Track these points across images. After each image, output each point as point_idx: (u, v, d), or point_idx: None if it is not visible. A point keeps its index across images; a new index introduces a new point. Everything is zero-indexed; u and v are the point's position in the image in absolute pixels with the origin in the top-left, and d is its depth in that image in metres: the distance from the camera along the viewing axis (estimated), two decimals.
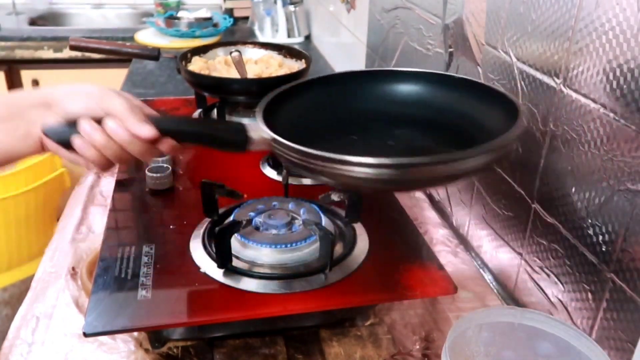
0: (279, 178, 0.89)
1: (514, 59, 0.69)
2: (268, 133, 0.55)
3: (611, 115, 0.53)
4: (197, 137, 0.60)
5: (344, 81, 0.71)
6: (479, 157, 0.51)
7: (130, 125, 0.55)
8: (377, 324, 0.70)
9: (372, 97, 0.70)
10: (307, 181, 0.86)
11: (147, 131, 0.55)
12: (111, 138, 0.55)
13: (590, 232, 0.58)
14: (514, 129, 0.53)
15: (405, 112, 0.69)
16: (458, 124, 0.65)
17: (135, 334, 0.66)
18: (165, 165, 0.85)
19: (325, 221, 0.70)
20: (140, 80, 1.61)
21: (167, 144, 0.57)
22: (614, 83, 0.53)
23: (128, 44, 1.44)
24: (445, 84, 0.68)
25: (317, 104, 0.69)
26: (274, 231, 0.68)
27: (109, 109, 0.56)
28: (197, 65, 1.15)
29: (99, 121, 0.55)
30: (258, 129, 0.57)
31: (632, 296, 0.53)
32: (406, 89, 0.70)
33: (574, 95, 0.59)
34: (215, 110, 1.12)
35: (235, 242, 0.68)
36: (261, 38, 2.06)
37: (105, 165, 0.57)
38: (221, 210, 0.74)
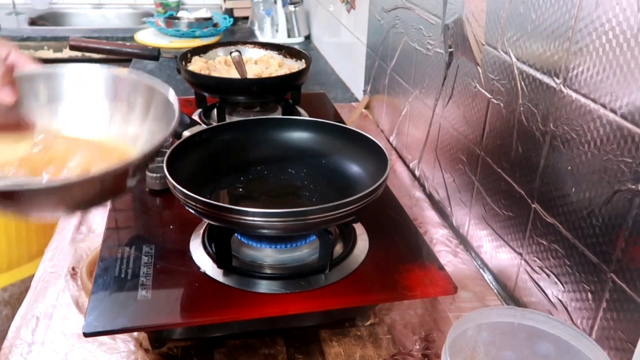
0: None
1: (514, 59, 0.69)
2: (170, 181, 0.62)
3: (611, 115, 0.53)
4: None
5: (246, 128, 0.80)
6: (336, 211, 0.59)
7: None
8: (377, 324, 0.69)
9: (268, 141, 0.80)
10: None
11: (6, 96, 0.48)
12: None
13: (590, 232, 0.58)
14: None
15: (297, 155, 0.79)
16: (339, 168, 0.77)
17: (135, 334, 0.66)
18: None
19: None
20: None
21: None
22: None
23: (128, 44, 1.44)
24: (331, 132, 0.78)
25: (221, 149, 0.77)
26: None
27: None
28: (197, 65, 1.15)
29: None
30: (192, 130, 0.75)
31: (632, 296, 0.52)
32: (298, 135, 0.80)
33: (574, 95, 0.59)
34: (215, 110, 1.12)
35: (235, 242, 0.68)
36: (261, 38, 2.06)
37: None
38: None
